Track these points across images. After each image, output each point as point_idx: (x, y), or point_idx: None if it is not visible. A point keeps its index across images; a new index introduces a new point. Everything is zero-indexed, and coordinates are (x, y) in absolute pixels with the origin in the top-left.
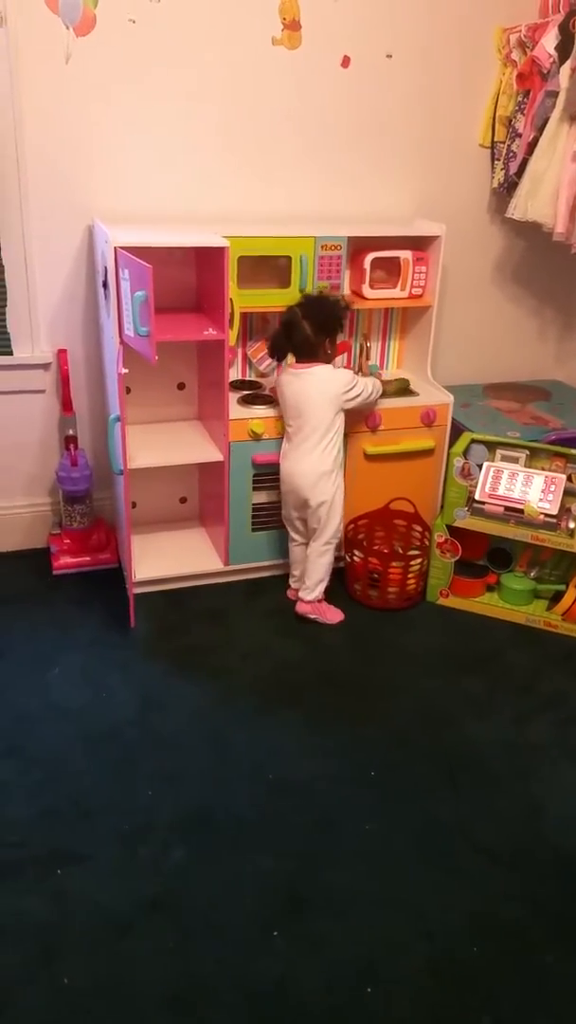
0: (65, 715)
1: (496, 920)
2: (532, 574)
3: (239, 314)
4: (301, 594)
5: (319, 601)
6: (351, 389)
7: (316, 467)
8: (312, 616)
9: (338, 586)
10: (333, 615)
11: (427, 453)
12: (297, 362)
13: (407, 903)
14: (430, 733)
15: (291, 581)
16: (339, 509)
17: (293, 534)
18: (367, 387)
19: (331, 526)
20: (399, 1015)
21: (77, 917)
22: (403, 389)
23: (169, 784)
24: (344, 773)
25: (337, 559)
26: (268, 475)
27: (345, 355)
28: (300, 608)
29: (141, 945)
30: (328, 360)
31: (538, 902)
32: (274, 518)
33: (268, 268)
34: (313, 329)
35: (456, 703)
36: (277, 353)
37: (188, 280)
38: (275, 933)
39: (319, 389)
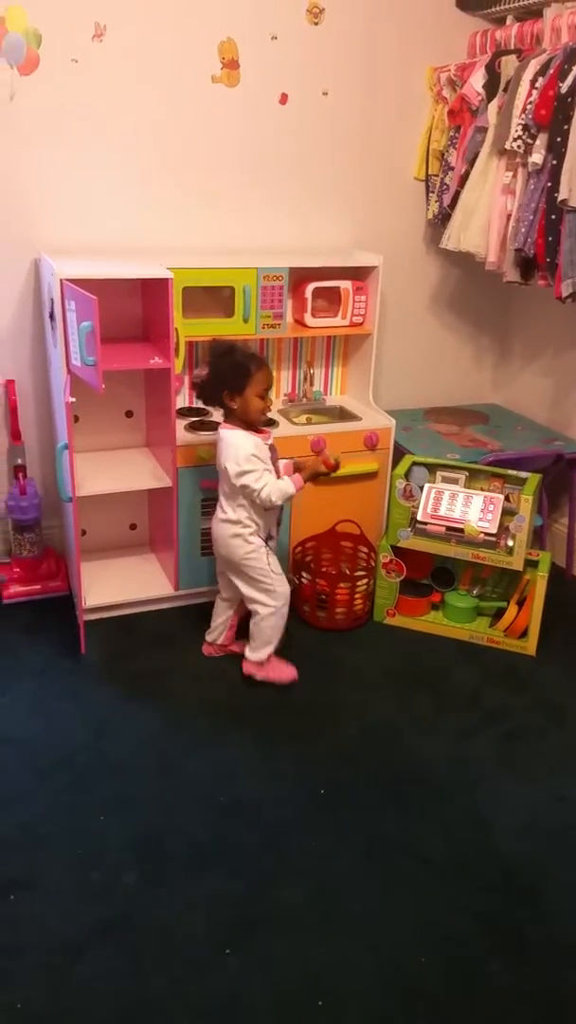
0: (15, 742)
1: (442, 931)
2: (474, 592)
3: (184, 343)
4: (247, 653)
5: (266, 661)
6: (241, 475)
7: (225, 528)
8: (260, 677)
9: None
10: (283, 673)
11: (371, 476)
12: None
13: (355, 917)
14: (378, 750)
15: (207, 634)
16: (261, 567)
17: (220, 587)
18: (264, 486)
19: (258, 578)
20: None
21: (30, 942)
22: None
23: (121, 809)
24: (294, 793)
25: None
26: (216, 500)
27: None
28: (246, 669)
29: (94, 968)
30: (239, 420)
31: (483, 912)
32: None
33: (213, 298)
34: (210, 379)
35: (403, 720)
36: (201, 399)
37: (134, 310)
38: (227, 951)
39: (223, 454)
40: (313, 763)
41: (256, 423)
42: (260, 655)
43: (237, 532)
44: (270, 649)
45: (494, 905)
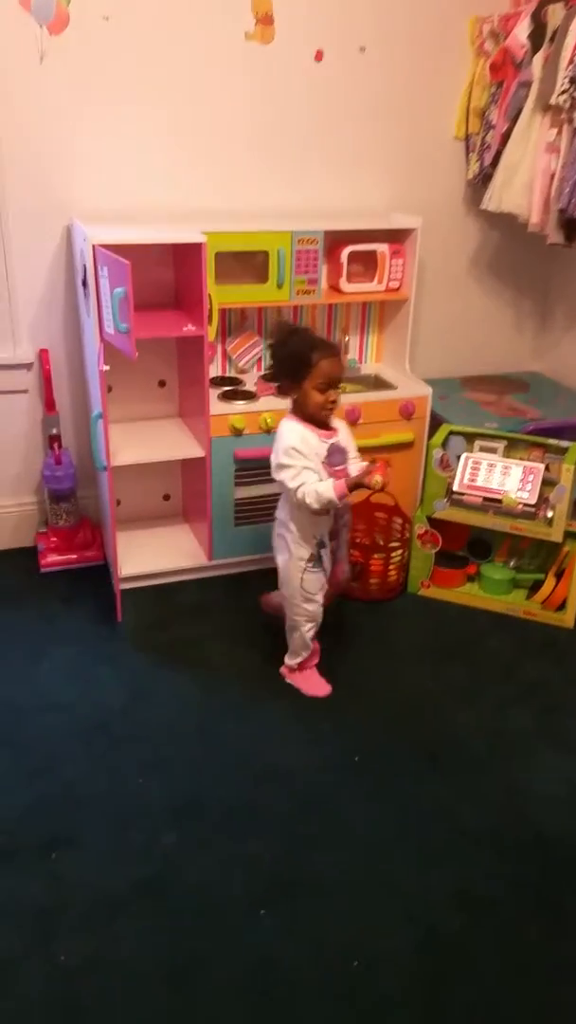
0: (55, 707)
1: (478, 898)
2: (512, 564)
3: (218, 310)
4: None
5: (296, 669)
6: (279, 470)
7: (274, 524)
8: (289, 681)
9: None
10: (313, 687)
11: (406, 446)
12: None
13: (391, 883)
14: (413, 720)
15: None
16: (293, 582)
17: None
18: (300, 486)
19: (288, 593)
20: (384, 988)
21: (71, 898)
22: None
23: (159, 772)
24: (329, 760)
25: None
26: (250, 470)
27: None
28: (281, 670)
29: (134, 924)
30: (298, 411)
31: (519, 880)
32: (257, 513)
33: (246, 264)
34: (272, 365)
35: (438, 691)
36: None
37: (167, 277)
38: (263, 912)
39: (273, 445)
40: (348, 731)
41: (317, 419)
42: (290, 661)
43: (280, 533)
44: (299, 659)
45: (530, 874)
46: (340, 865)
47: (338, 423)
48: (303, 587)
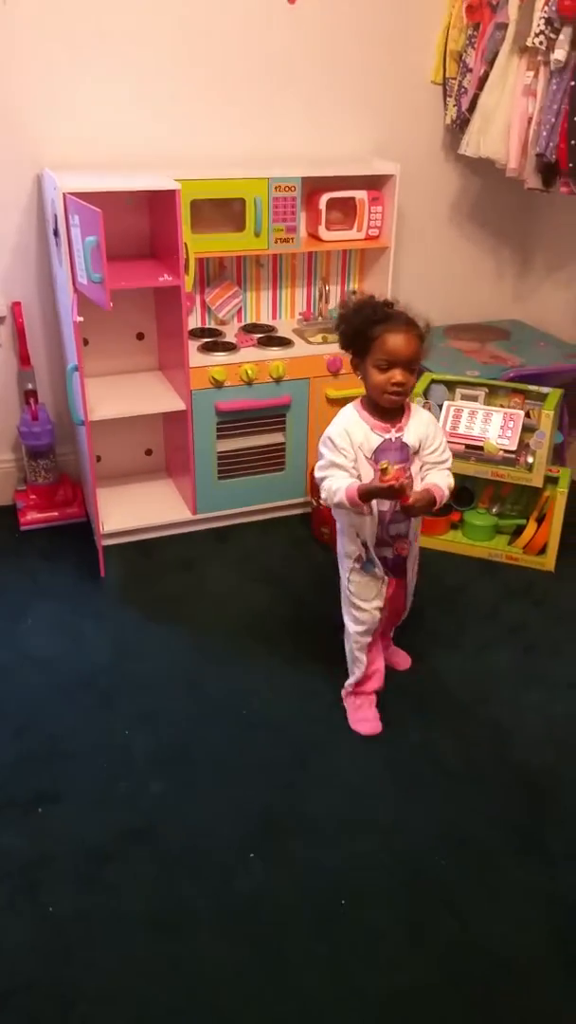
0: (39, 663)
1: (462, 834)
2: (494, 510)
3: (195, 260)
4: None
5: (350, 693)
6: (320, 460)
7: None
8: (345, 704)
9: (305, 530)
10: (355, 720)
11: None
12: None
13: (378, 822)
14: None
15: None
16: (343, 587)
17: None
18: (324, 479)
19: (342, 600)
20: (371, 925)
21: (59, 851)
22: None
23: (145, 724)
24: (318, 708)
25: (304, 503)
26: (232, 423)
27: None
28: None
29: (122, 873)
30: (366, 396)
31: (502, 816)
32: (240, 466)
33: (223, 212)
34: (341, 342)
35: (422, 636)
36: None
37: (141, 227)
38: (251, 855)
39: None
40: (334, 679)
41: (380, 403)
42: (349, 680)
43: (340, 527)
44: (353, 678)
45: (513, 810)
46: (328, 807)
47: (419, 415)
48: (348, 587)
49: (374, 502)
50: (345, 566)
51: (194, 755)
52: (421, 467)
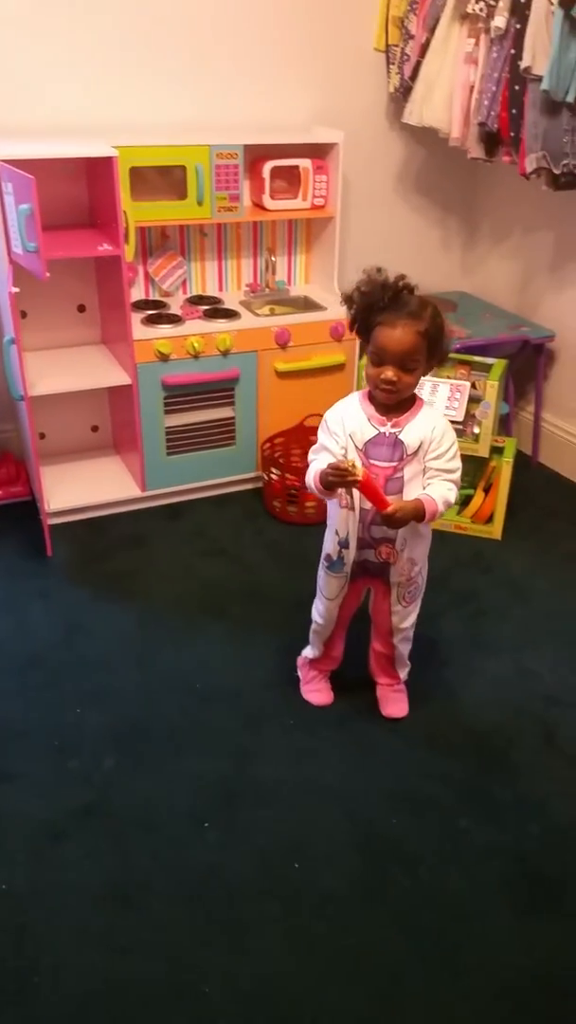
0: None
1: (413, 796)
2: None
3: (135, 229)
4: None
5: (306, 663)
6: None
7: None
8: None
9: (258, 504)
10: (306, 690)
11: (338, 368)
12: None
13: (331, 787)
14: (350, 634)
15: None
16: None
17: None
18: (313, 463)
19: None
20: (324, 886)
21: (11, 830)
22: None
23: (98, 701)
24: (270, 679)
25: (255, 477)
26: (180, 397)
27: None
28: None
29: (76, 849)
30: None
31: (452, 776)
32: (190, 441)
33: (164, 180)
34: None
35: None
36: None
37: (80, 195)
38: (206, 825)
39: None
40: (288, 650)
41: (375, 396)
42: (306, 650)
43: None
44: (307, 650)
45: (462, 770)
46: (281, 775)
47: (427, 415)
48: (321, 583)
49: (358, 499)
50: (322, 563)
51: (147, 730)
52: (425, 473)
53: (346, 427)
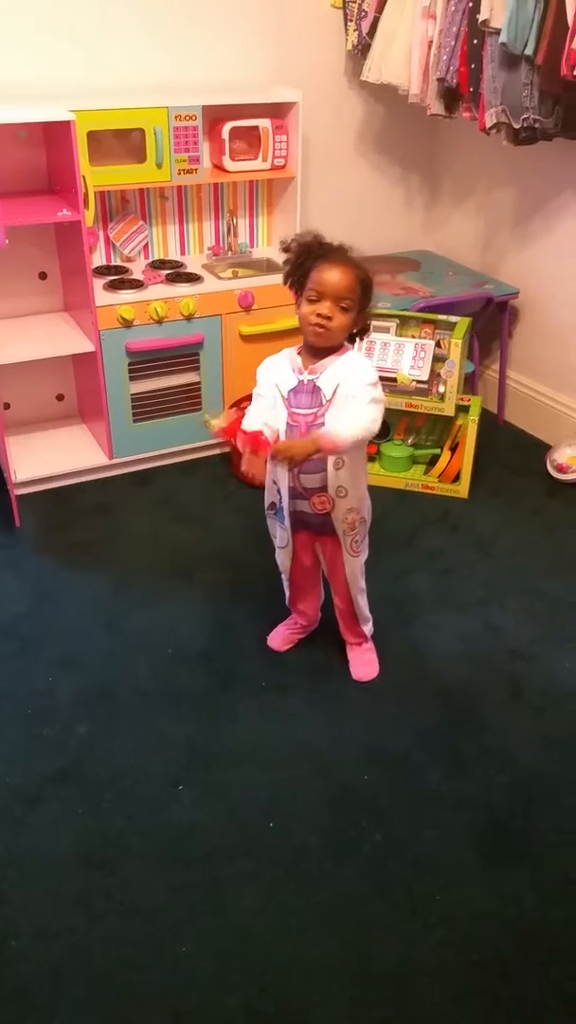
0: None
1: (384, 752)
2: (409, 441)
3: (94, 193)
4: None
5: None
6: None
7: None
8: None
9: (224, 469)
10: (271, 635)
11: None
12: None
13: (302, 744)
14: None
15: None
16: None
17: None
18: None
19: None
20: (298, 842)
21: None
22: None
23: (69, 669)
24: (240, 641)
25: (223, 443)
26: (144, 363)
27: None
28: None
29: (50, 814)
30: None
31: (421, 731)
32: (156, 408)
33: (123, 143)
34: (284, 278)
35: None
36: None
37: (38, 161)
38: (180, 787)
39: None
40: (258, 614)
41: (308, 340)
42: None
43: None
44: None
45: (431, 725)
46: (253, 735)
47: (347, 360)
48: (268, 526)
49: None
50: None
51: (119, 695)
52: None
53: (271, 378)
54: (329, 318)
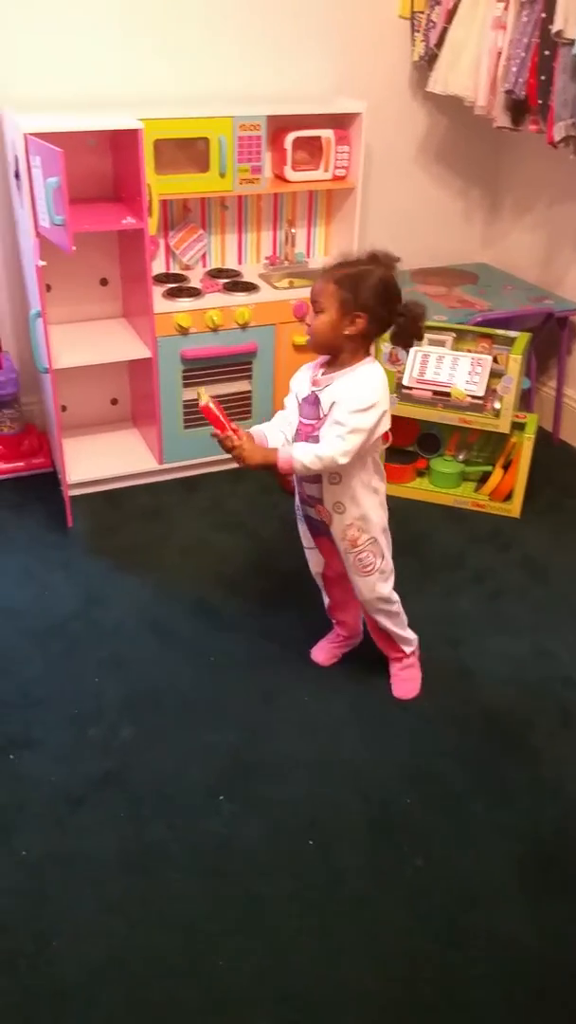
0: (9, 612)
1: (427, 775)
2: (460, 457)
3: (158, 201)
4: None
5: None
6: None
7: None
8: None
9: (272, 478)
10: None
11: None
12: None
13: (345, 764)
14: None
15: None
16: None
17: None
18: None
19: None
20: (338, 863)
21: (30, 797)
22: None
23: (115, 671)
24: (284, 652)
25: None
26: (198, 370)
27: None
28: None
29: (94, 817)
30: None
31: (467, 757)
32: None
33: (187, 152)
34: None
35: None
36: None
37: (104, 168)
38: (221, 798)
39: None
40: (304, 625)
41: None
42: None
43: None
44: None
45: (478, 750)
46: (295, 749)
47: (353, 377)
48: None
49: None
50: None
51: (163, 700)
52: None
53: (294, 385)
54: (309, 324)
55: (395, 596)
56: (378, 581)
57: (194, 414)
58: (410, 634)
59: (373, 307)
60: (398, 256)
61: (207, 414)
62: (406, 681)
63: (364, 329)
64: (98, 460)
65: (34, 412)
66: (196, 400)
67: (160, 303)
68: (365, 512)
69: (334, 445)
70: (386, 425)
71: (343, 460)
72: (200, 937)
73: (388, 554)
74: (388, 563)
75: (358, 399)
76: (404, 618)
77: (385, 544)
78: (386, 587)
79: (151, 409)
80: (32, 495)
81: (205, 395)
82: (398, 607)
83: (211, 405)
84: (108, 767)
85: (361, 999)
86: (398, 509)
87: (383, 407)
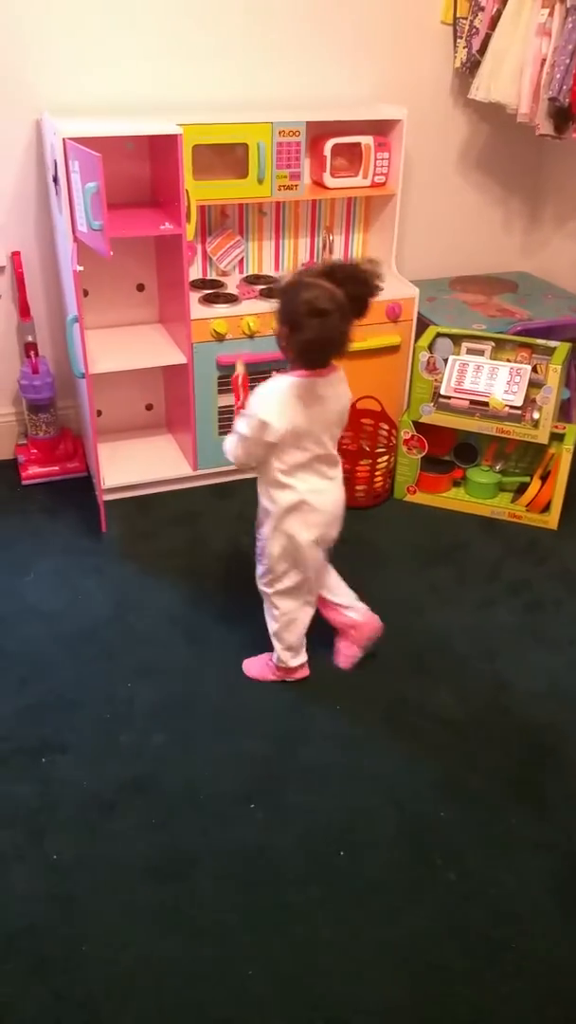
0: (42, 617)
1: (463, 788)
2: (497, 467)
3: (196, 207)
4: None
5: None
6: None
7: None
8: None
9: None
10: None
11: (393, 349)
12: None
13: (377, 775)
14: (399, 621)
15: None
16: None
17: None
18: None
19: None
20: (370, 875)
21: (63, 800)
22: None
23: (147, 677)
24: (317, 660)
25: None
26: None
27: None
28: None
29: (125, 822)
30: None
31: (502, 770)
32: None
33: (225, 158)
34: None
35: (424, 593)
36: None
37: (142, 173)
38: (252, 806)
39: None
40: (334, 632)
41: None
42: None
43: None
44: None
45: (513, 764)
46: (328, 759)
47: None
48: None
49: None
50: None
51: (195, 707)
52: None
53: None
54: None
55: (284, 606)
56: (263, 572)
57: (228, 421)
58: (289, 655)
59: (290, 322)
60: (376, 272)
61: (235, 385)
62: (258, 661)
63: (285, 342)
64: (132, 465)
65: (69, 417)
66: (231, 405)
67: (196, 309)
68: (266, 513)
69: (226, 440)
70: (272, 438)
71: (230, 456)
72: (230, 945)
73: (285, 569)
74: (281, 571)
75: (249, 404)
76: (291, 637)
77: (281, 560)
78: (268, 588)
79: (186, 415)
80: (66, 500)
81: (242, 368)
82: (285, 620)
83: (242, 380)
84: (140, 772)
85: (391, 1012)
86: (433, 519)
87: (265, 418)
